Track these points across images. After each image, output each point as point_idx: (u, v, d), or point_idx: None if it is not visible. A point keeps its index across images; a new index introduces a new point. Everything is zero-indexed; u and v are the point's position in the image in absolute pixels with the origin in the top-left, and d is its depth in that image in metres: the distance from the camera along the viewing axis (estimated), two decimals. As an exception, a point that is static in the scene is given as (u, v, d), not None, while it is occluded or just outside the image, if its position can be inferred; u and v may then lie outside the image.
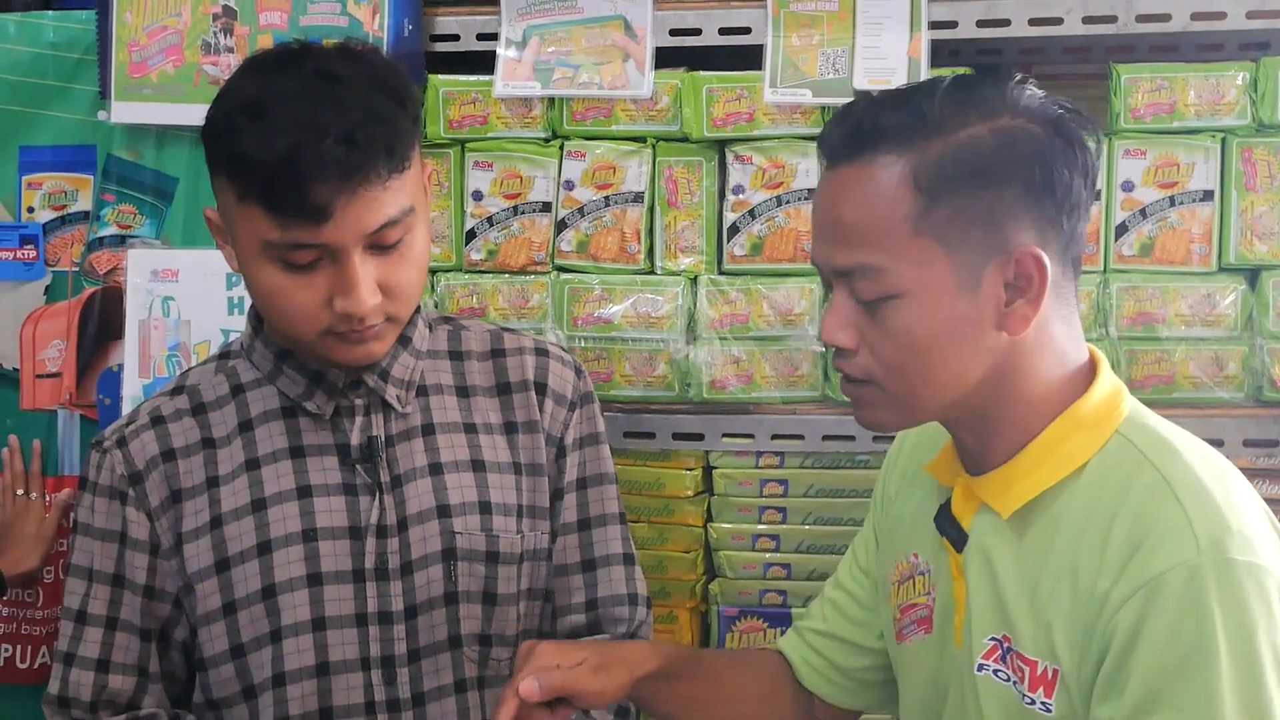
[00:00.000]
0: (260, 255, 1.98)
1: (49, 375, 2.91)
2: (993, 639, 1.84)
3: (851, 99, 2.55)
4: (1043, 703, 1.77)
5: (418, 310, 2.17)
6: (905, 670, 2.04)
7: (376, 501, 2.12)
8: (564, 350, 2.30)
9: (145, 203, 2.93)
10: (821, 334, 1.84)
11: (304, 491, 2.11)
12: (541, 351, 2.27)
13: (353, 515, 2.12)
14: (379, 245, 1.98)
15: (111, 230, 2.93)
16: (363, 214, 1.94)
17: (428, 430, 2.17)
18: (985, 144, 1.73)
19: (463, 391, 2.22)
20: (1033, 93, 1.79)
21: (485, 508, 2.16)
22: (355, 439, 2.13)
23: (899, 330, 1.76)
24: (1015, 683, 1.81)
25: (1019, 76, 1.81)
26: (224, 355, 2.23)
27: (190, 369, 2.25)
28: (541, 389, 2.24)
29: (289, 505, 2.11)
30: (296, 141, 1.90)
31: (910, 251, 1.74)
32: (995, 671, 1.83)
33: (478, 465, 2.18)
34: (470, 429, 2.20)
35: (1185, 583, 1.65)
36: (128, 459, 2.13)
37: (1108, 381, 1.84)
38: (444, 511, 2.14)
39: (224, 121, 1.98)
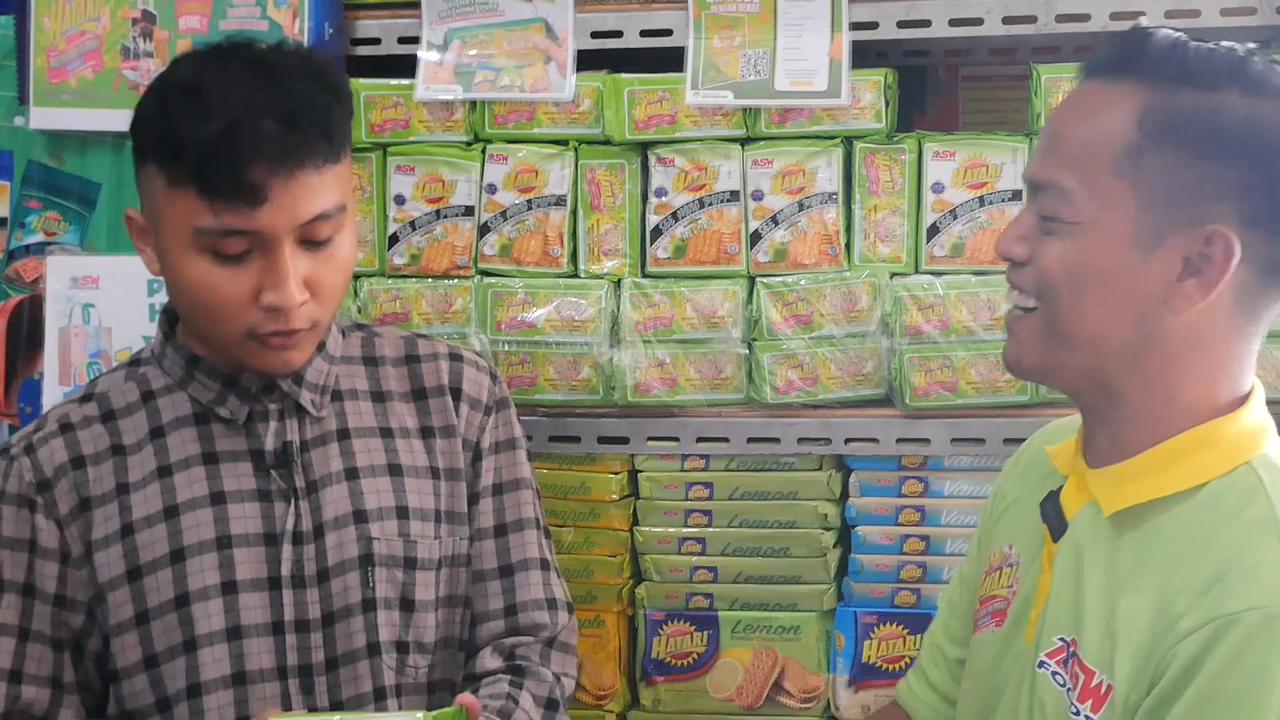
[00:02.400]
0: (189, 247, 1.96)
1: (-33, 384, 2.88)
2: (1061, 639, 1.76)
3: (774, 101, 2.59)
4: (1087, 716, 1.70)
5: (324, 339, 2.16)
6: (970, 663, 1.98)
7: (292, 507, 2.10)
8: (478, 356, 2.29)
9: (69, 209, 2.90)
10: (999, 242, 1.78)
11: (217, 498, 2.09)
12: (456, 357, 2.26)
13: (267, 522, 2.09)
14: (310, 240, 1.98)
15: (39, 237, 2.90)
16: (298, 200, 1.94)
17: (343, 435, 2.16)
18: (1233, 117, 1.65)
19: (378, 397, 2.20)
20: None
21: (403, 512, 2.15)
22: (270, 444, 2.11)
23: (1061, 254, 1.69)
24: (1069, 689, 1.72)
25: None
26: (134, 362, 2.21)
27: (99, 376, 2.23)
28: (457, 394, 2.23)
29: (202, 512, 2.09)
30: (234, 119, 1.91)
31: (1104, 185, 1.67)
32: (1054, 674, 1.75)
33: (394, 470, 2.17)
34: (387, 433, 2.19)
35: (1258, 627, 1.57)
36: (36, 466, 2.10)
37: (1258, 414, 1.74)
38: (360, 517, 2.12)
39: (157, 106, 1.98)
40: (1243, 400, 1.74)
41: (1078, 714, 1.70)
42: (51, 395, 2.78)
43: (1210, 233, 1.64)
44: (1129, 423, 1.74)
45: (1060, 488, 1.84)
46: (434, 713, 1.91)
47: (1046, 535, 1.83)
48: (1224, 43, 1.71)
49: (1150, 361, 1.71)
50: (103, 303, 2.79)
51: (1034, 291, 1.74)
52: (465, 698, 1.95)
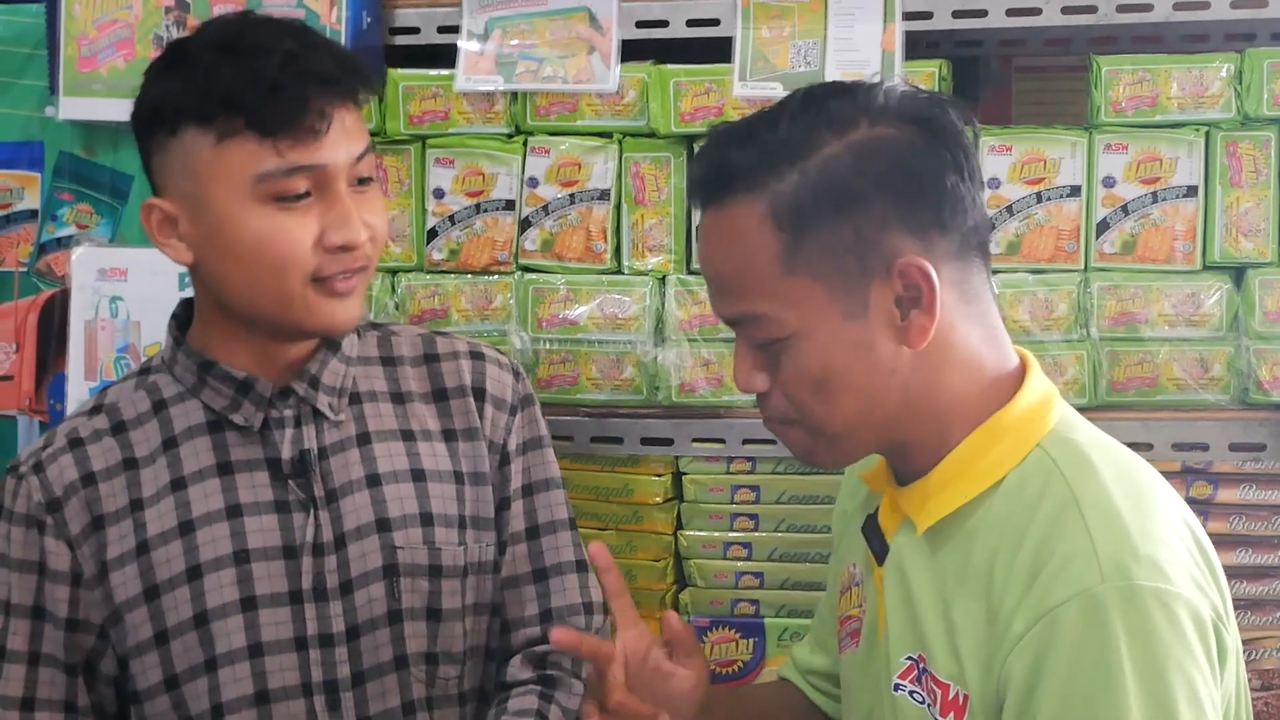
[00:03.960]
0: (249, 199, 1.93)
1: (-4, 379, 2.83)
2: (909, 658, 1.76)
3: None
4: None
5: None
6: (843, 683, 1.99)
7: (311, 518, 2.03)
8: (500, 353, 2.22)
9: (101, 202, 2.86)
10: (736, 382, 1.79)
11: (233, 511, 2.03)
12: (477, 355, 2.19)
13: (286, 534, 2.03)
14: (357, 179, 1.98)
15: (70, 230, 2.87)
16: (350, 134, 1.97)
17: (364, 440, 2.09)
18: (841, 164, 1.66)
19: (398, 398, 2.14)
20: (891, 90, 1.71)
21: (427, 519, 2.08)
22: (287, 452, 2.04)
23: (796, 369, 1.70)
24: (929, 705, 1.73)
25: (878, 79, 1.74)
26: (144, 370, 2.14)
27: (109, 386, 2.16)
28: (480, 394, 2.16)
29: (218, 526, 2.02)
30: (289, 51, 1.93)
31: (786, 293, 1.68)
32: (911, 693, 1.76)
33: (418, 475, 2.10)
34: (408, 436, 2.12)
35: (1086, 612, 1.57)
36: (44, 485, 2.03)
37: (1036, 389, 1.76)
38: (384, 525, 2.06)
39: (187, 73, 1.95)
40: (1016, 377, 1.76)
41: None
42: (76, 391, 2.74)
43: (900, 268, 1.66)
44: (916, 448, 1.76)
45: (877, 509, 1.86)
46: None
47: (871, 559, 1.85)
48: (780, 102, 1.74)
49: (916, 400, 1.72)
50: (131, 296, 2.74)
51: (790, 414, 1.75)
52: None
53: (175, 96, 1.94)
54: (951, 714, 1.69)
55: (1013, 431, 1.72)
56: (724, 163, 1.70)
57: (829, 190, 1.65)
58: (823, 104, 1.69)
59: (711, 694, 2.01)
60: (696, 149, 1.75)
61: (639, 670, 1.91)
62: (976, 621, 1.67)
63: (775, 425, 1.79)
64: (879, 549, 1.83)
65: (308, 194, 1.93)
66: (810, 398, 1.71)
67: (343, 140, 1.95)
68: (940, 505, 1.74)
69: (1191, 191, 2.48)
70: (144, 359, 2.68)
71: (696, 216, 1.77)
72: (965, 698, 1.68)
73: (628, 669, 1.90)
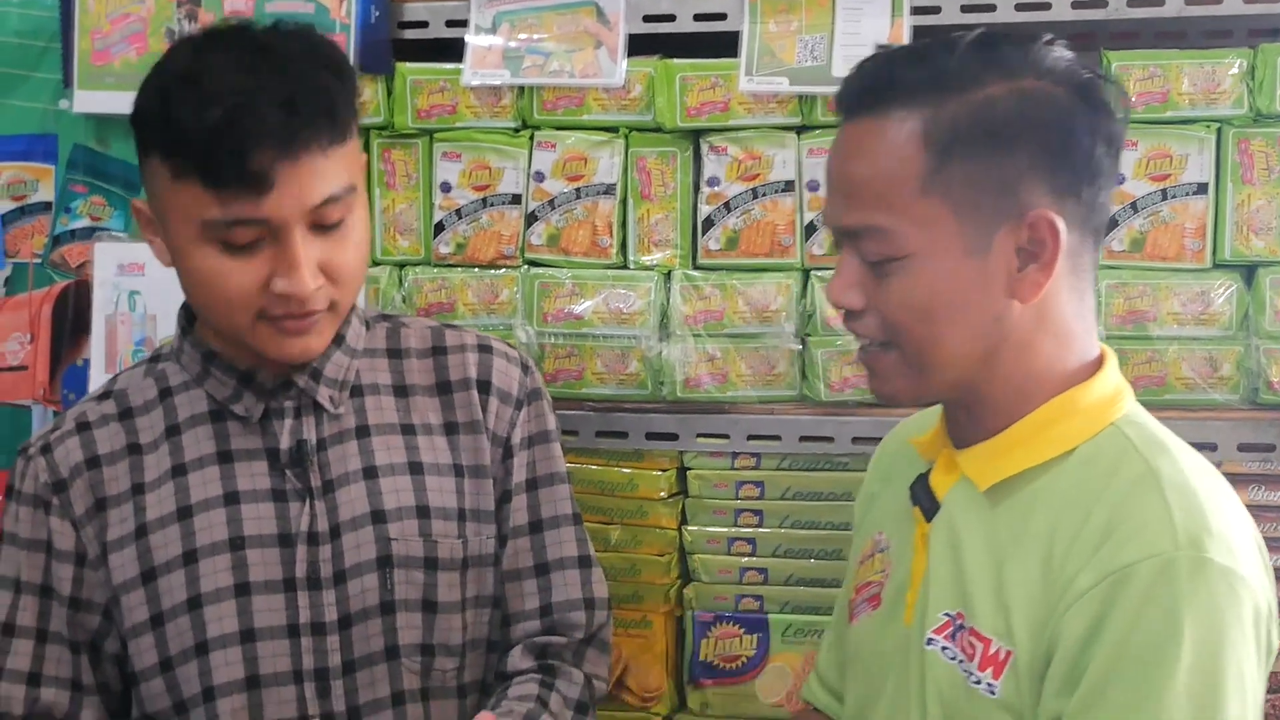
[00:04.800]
0: (197, 239, 1.91)
1: (10, 369, 2.85)
2: (947, 614, 1.78)
3: (831, 88, 2.50)
4: (989, 684, 1.71)
5: (353, 308, 2.09)
6: (850, 651, 1.99)
7: (307, 507, 2.04)
8: (510, 346, 2.21)
9: (114, 194, 2.87)
10: (829, 294, 1.80)
11: (231, 498, 2.04)
12: (485, 348, 2.18)
13: (282, 522, 2.04)
14: (321, 224, 1.92)
15: (84, 222, 2.88)
16: (305, 185, 1.88)
17: (362, 432, 2.09)
18: (1003, 104, 1.68)
19: (400, 391, 2.14)
20: (1060, 54, 1.73)
21: (423, 512, 2.08)
22: (285, 443, 2.06)
23: (904, 292, 1.72)
24: (962, 661, 1.74)
25: (1048, 37, 1.74)
26: (154, 358, 2.16)
27: (120, 373, 2.18)
28: (485, 387, 2.15)
29: (215, 513, 2.03)
30: (234, 105, 1.85)
31: (917, 212, 1.69)
32: (944, 649, 1.77)
33: (415, 468, 2.10)
34: (408, 430, 2.12)
35: (1157, 576, 1.60)
36: (51, 466, 2.07)
37: (1113, 378, 1.79)
38: (379, 517, 2.06)
39: (156, 97, 1.92)
40: (1094, 366, 1.79)
41: (978, 682, 1.73)
42: (97, 383, 2.74)
43: (1032, 219, 1.68)
44: (990, 407, 1.78)
45: (928, 471, 1.87)
46: None
47: (918, 516, 1.85)
48: (957, 35, 1.74)
49: (1007, 354, 1.74)
50: (148, 290, 2.76)
51: (882, 335, 1.76)
52: (484, 717, 1.90)
53: (144, 119, 1.93)
54: (990, 668, 1.71)
55: (1089, 408, 1.75)
56: (890, 76, 1.72)
57: (986, 125, 1.68)
58: (996, 48, 1.71)
59: None
60: (862, 60, 1.77)
61: None
62: (1031, 581, 1.69)
63: (862, 351, 1.81)
64: (928, 506, 1.84)
65: (259, 240, 1.90)
66: (911, 322, 1.73)
67: (291, 194, 1.88)
68: (1008, 465, 1.76)
69: (1202, 189, 2.46)
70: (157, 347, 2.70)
71: (839, 119, 1.79)
72: (1009, 654, 1.70)
73: None
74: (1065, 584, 1.65)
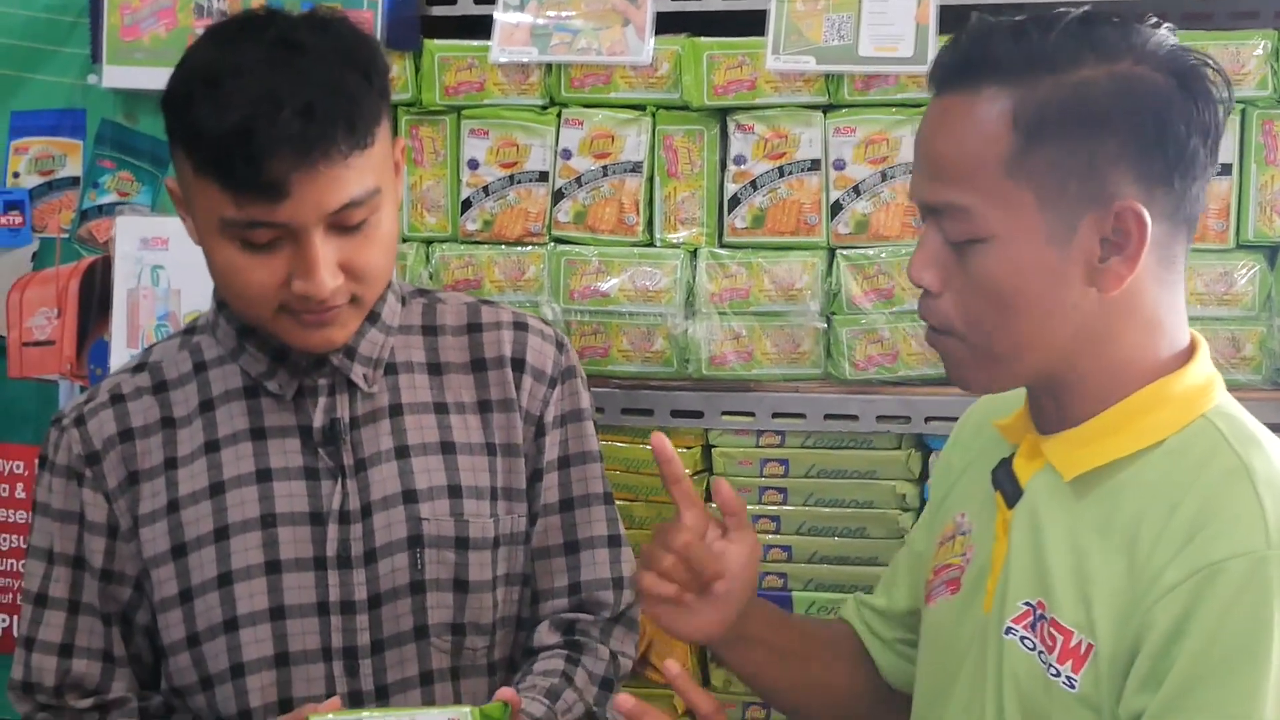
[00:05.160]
0: (218, 233, 1.91)
1: (37, 344, 2.86)
2: (1027, 603, 1.74)
3: (857, 68, 2.51)
4: (1068, 677, 1.68)
5: (389, 284, 2.09)
6: (926, 633, 1.96)
7: (339, 486, 2.05)
8: (545, 324, 2.22)
9: (142, 169, 2.89)
10: (909, 271, 1.75)
11: (263, 475, 2.05)
12: (520, 325, 2.19)
13: (314, 500, 2.05)
14: (341, 226, 1.91)
15: (112, 197, 2.89)
16: (323, 192, 1.87)
17: (395, 411, 2.10)
18: (1097, 89, 1.63)
19: (434, 369, 2.14)
20: (1162, 38, 1.69)
21: (455, 491, 2.09)
22: (318, 420, 2.06)
23: (983, 276, 1.68)
24: (1042, 653, 1.70)
25: (1153, 20, 1.71)
26: (189, 331, 2.16)
27: (155, 344, 2.19)
28: (519, 365, 2.16)
29: (247, 489, 2.05)
30: (250, 114, 1.83)
31: (1001, 194, 1.66)
32: (1023, 639, 1.73)
33: (447, 447, 2.11)
34: (441, 409, 2.12)
35: (1248, 573, 1.56)
36: (85, 438, 2.07)
37: (1204, 368, 1.74)
38: (410, 497, 2.07)
39: (181, 91, 1.91)
40: (1185, 355, 1.74)
41: (1057, 674, 1.69)
42: (119, 357, 2.77)
43: (1118, 209, 1.64)
44: (1076, 394, 1.74)
45: (1011, 456, 1.83)
46: (481, 708, 1.86)
47: (1000, 503, 1.81)
48: (1058, 12, 1.69)
49: (1091, 342, 1.70)
50: (172, 264, 2.77)
51: (956, 323, 1.73)
52: (505, 692, 1.90)
53: (169, 110, 1.93)
54: (1070, 661, 1.68)
55: (1179, 399, 1.70)
56: (985, 52, 1.67)
57: (1077, 109, 1.63)
58: (1095, 28, 1.67)
59: (755, 602, 2.00)
60: (958, 33, 1.73)
61: (698, 549, 1.87)
62: (1115, 575, 1.66)
63: (934, 336, 1.77)
64: (1011, 492, 1.80)
65: (277, 239, 1.89)
66: (986, 308, 1.69)
67: (311, 199, 1.86)
68: (1094, 455, 1.72)
69: (1226, 169, 2.46)
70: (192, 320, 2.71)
71: (931, 92, 1.74)
72: (1090, 647, 1.66)
73: (688, 548, 1.86)
74: (1152, 578, 1.61)
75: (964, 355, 1.74)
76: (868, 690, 2.11)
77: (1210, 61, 1.70)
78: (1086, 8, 1.70)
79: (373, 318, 2.08)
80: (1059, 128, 1.63)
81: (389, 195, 1.97)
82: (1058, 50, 1.65)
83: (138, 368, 2.14)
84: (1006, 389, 1.82)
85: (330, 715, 1.87)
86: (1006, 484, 1.81)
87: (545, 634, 2.16)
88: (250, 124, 1.83)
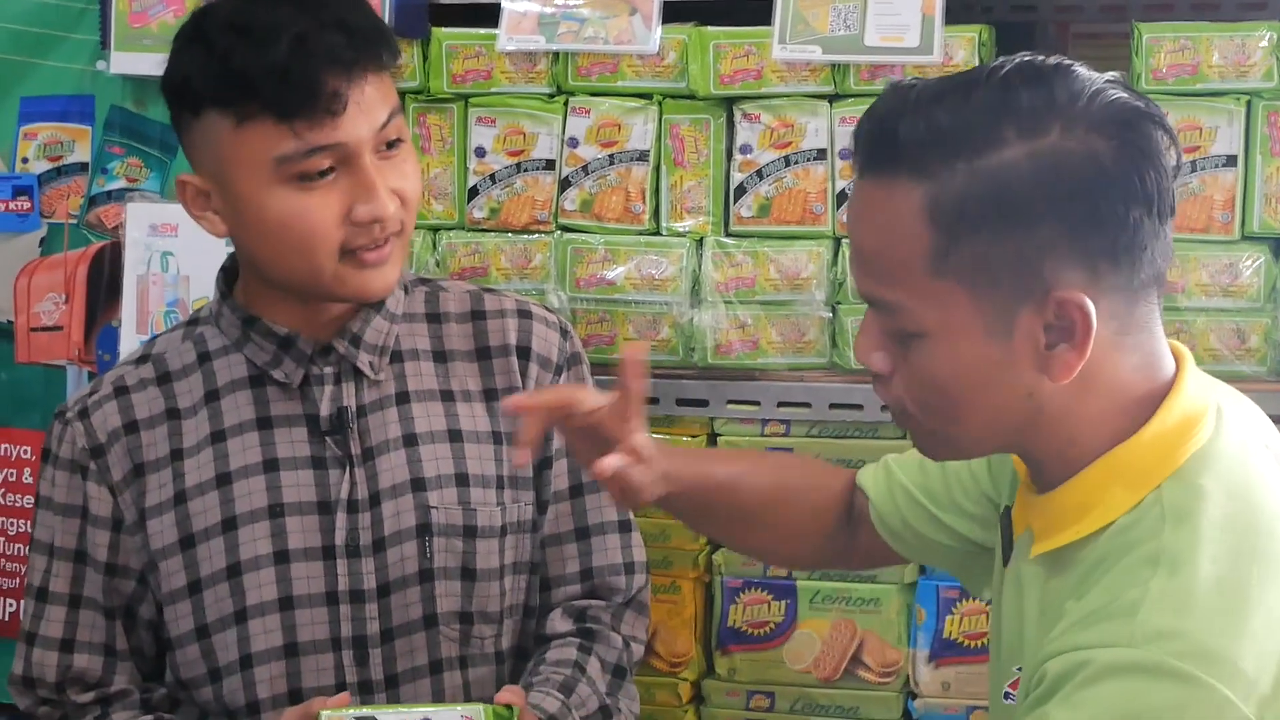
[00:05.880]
0: (270, 181, 1.94)
1: (45, 329, 2.87)
2: (1019, 669, 1.63)
3: (863, 58, 2.51)
4: None
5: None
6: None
7: (347, 475, 2.06)
8: (549, 310, 2.23)
9: (151, 156, 2.90)
10: (855, 353, 1.64)
11: (270, 465, 2.06)
12: (524, 313, 2.20)
13: (321, 490, 2.06)
14: (384, 144, 1.97)
15: (120, 183, 2.91)
16: (372, 104, 1.95)
17: (402, 399, 2.11)
18: (1019, 175, 1.47)
19: (440, 357, 2.15)
20: (1099, 89, 1.51)
21: (462, 480, 2.10)
22: (325, 409, 2.07)
23: (925, 370, 1.55)
24: None
25: (1082, 70, 1.54)
26: (192, 321, 2.17)
27: (158, 335, 2.20)
28: (525, 353, 2.17)
29: (255, 479, 2.05)
30: (299, 35, 1.90)
31: (929, 292, 1.52)
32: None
33: (454, 435, 2.12)
34: (447, 397, 2.14)
35: (1105, 668, 1.43)
36: (89, 431, 2.08)
37: (1177, 410, 1.57)
38: (419, 485, 2.08)
39: (204, 52, 1.96)
40: (1160, 395, 1.58)
41: None
42: (128, 344, 2.77)
43: (1058, 299, 1.49)
44: (1044, 465, 1.62)
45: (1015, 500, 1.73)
46: (493, 707, 1.87)
47: (999, 553, 1.73)
48: (979, 71, 1.55)
49: (1050, 422, 1.57)
50: (181, 251, 2.77)
51: (907, 404, 1.61)
52: (506, 694, 1.92)
53: (194, 78, 1.96)
54: None
55: (1136, 468, 1.56)
56: (893, 135, 1.51)
57: (998, 199, 1.48)
58: (1015, 94, 1.50)
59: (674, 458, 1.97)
60: (877, 100, 1.57)
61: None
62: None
63: (896, 416, 1.66)
64: (1006, 548, 1.71)
65: (331, 169, 1.94)
66: (934, 398, 1.58)
67: (362, 114, 1.94)
68: (1056, 536, 1.60)
69: (1231, 161, 2.46)
70: (191, 312, 2.72)
71: (853, 174, 1.60)
72: None
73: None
74: (1051, 640, 1.51)
75: (920, 437, 1.66)
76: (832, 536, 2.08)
77: (1156, 114, 1.54)
78: (1008, 66, 1.53)
79: (377, 305, 2.09)
80: (980, 222, 1.49)
81: (407, 132, 2.06)
82: (972, 130, 1.49)
83: (141, 359, 2.14)
84: (977, 456, 1.75)
85: (343, 711, 1.88)
86: (1006, 534, 1.72)
87: (558, 621, 2.17)
88: (300, 45, 1.90)
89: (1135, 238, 1.50)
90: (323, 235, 1.95)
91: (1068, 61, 1.54)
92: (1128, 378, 1.57)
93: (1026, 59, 1.54)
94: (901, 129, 1.51)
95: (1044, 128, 1.49)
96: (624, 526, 2.22)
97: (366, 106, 1.94)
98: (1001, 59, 1.55)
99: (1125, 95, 1.53)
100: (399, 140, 2.00)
